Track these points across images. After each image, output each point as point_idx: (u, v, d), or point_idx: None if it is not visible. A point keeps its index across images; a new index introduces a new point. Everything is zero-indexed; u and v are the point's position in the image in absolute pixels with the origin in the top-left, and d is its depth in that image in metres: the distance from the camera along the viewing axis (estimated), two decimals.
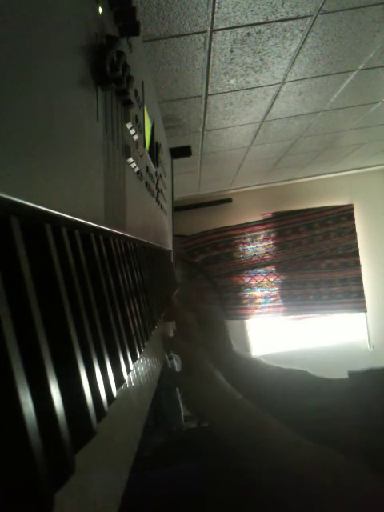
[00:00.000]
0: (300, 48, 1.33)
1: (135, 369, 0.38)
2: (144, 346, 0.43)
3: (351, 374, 0.63)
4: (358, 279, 3.46)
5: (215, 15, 1.10)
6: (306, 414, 0.56)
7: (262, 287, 3.50)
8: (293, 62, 1.42)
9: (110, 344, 0.29)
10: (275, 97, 1.70)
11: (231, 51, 1.29)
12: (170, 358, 1.63)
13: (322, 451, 0.44)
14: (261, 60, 1.38)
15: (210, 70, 1.39)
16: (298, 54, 1.36)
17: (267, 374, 0.73)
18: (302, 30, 1.23)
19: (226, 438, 0.51)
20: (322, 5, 1.11)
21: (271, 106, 1.79)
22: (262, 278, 3.50)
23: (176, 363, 1.61)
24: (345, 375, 0.64)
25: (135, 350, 0.37)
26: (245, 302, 3.52)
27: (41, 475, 0.15)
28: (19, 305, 0.17)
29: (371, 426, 0.47)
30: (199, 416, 0.59)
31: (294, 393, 0.65)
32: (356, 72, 1.57)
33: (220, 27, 1.16)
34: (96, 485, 0.23)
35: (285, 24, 1.19)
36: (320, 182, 3.55)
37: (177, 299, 0.81)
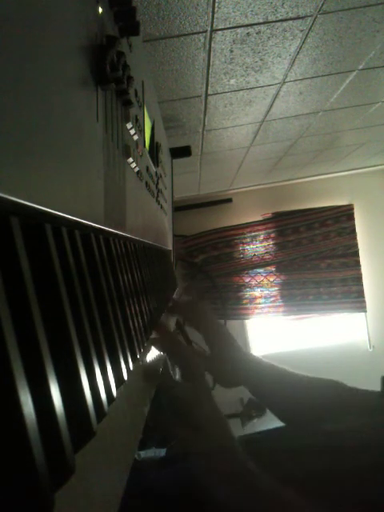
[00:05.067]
0: (300, 48, 1.33)
1: (135, 369, 0.38)
2: (144, 346, 0.43)
3: None
4: (358, 279, 3.46)
5: (215, 15, 1.10)
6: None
7: (262, 287, 3.50)
8: (293, 62, 1.42)
9: (110, 344, 0.29)
10: (275, 97, 1.70)
11: (231, 51, 1.29)
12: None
13: None
14: (261, 60, 1.38)
15: (210, 70, 1.39)
16: (297, 53, 1.36)
17: (292, 383, 0.68)
18: (301, 30, 1.23)
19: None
20: (322, 5, 1.11)
21: (271, 106, 1.79)
22: (262, 277, 3.50)
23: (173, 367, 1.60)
24: (344, 376, 0.63)
25: (135, 350, 0.37)
26: (245, 302, 3.52)
27: (41, 475, 0.15)
28: (19, 305, 0.17)
29: None
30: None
31: (320, 407, 0.62)
32: (356, 72, 1.57)
33: (220, 27, 1.15)
34: (96, 485, 0.23)
35: (285, 24, 1.19)
36: (320, 182, 3.55)
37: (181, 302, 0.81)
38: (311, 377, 0.69)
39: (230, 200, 3.54)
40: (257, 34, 1.21)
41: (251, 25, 1.17)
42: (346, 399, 0.63)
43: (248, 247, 3.48)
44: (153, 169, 0.69)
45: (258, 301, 3.52)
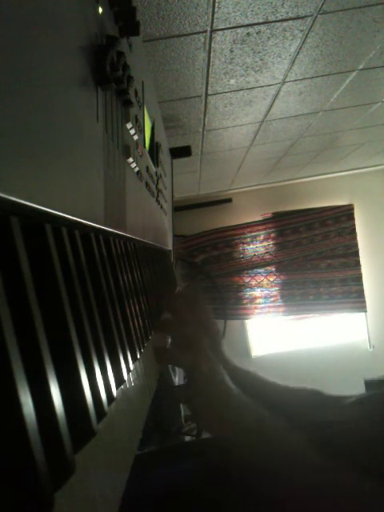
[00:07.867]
0: (300, 48, 1.33)
1: (135, 369, 0.38)
2: (144, 346, 0.43)
3: (367, 382, 0.60)
4: (358, 279, 3.46)
5: (215, 15, 1.10)
6: (317, 426, 0.54)
7: (262, 287, 3.50)
8: (293, 62, 1.42)
9: (110, 344, 0.29)
10: (275, 97, 1.70)
11: (231, 51, 1.29)
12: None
13: (337, 469, 0.42)
14: (261, 60, 1.38)
15: (210, 70, 1.39)
16: (298, 53, 1.36)
17: (272, 391, 0.67)
18: (301, 30, 1.23)
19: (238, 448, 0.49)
20: (322, 5, 1.11)
21: (271, 106, 1.79)
22: (262, 278, 3.50)
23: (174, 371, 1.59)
24: (344, 376, 0.62)
25: (135, 350, 0.37)
26: (245, 301, 3.52)
27: (41, 475, 0.15)
28: (19, 305, 0.17)
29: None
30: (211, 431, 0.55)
31: (305, 407, 0.63)
32: (356, 72, 1.57)
33: (220, 27, 1.15)
34: (96, 485, 0.23)
35: (285, 24, 1.19)
36: (320, 182, 3.55)
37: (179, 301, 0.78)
38: (291, 386, 0.69)
39: (229, 200, 3.54)
40: (257, 34, 1.21)
41: (251, 25, 1.17)
42: (330, 401, 0.64)
43: (248, 247, 3.48)
44: (153, 169, 0.69)
45: (257, 301, 3.52)
